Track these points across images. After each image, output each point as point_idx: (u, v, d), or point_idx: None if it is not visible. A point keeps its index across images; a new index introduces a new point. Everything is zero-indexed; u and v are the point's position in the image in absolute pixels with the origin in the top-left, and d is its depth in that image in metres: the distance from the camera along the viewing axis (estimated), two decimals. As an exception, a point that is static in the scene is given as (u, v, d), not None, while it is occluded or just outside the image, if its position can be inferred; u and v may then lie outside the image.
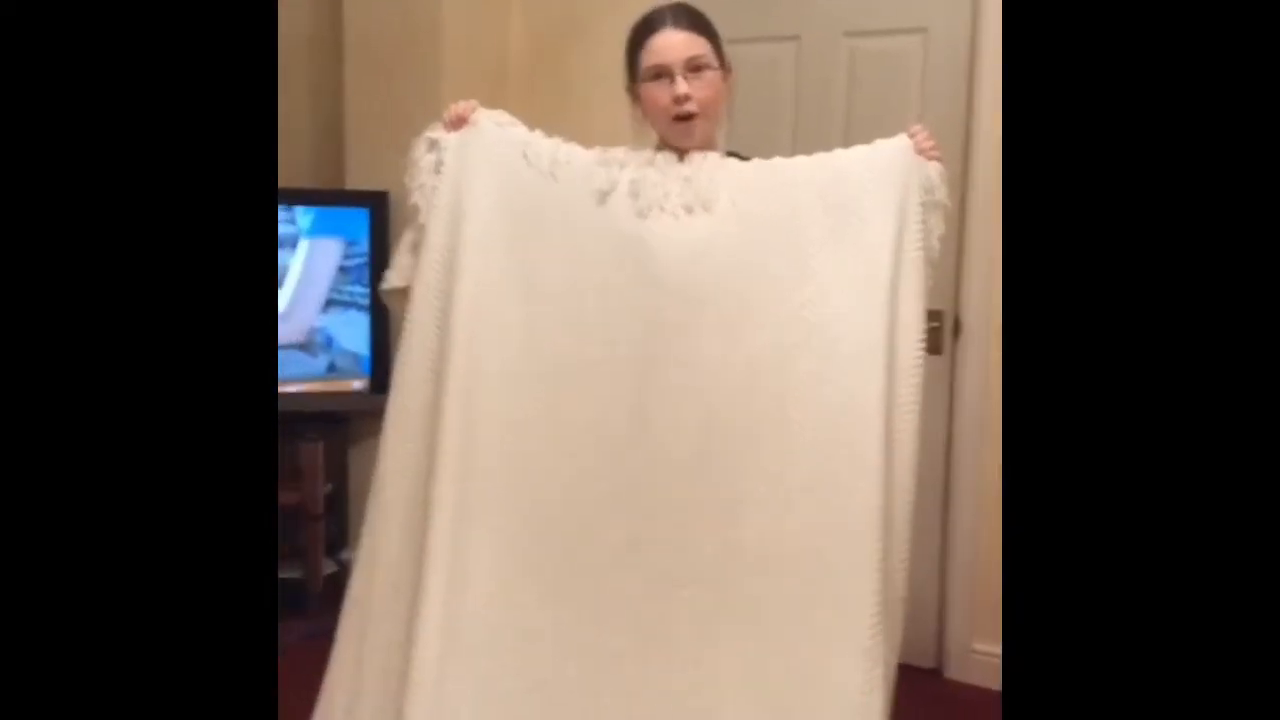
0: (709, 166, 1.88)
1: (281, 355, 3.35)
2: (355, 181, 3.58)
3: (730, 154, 1.99)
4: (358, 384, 3.47)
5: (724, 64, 1.95)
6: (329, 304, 3.47)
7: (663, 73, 1.89)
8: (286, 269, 3.43)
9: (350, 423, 3.65)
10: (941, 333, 3.05)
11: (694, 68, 1.88)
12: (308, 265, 3.46)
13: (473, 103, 2.03)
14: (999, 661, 3.00)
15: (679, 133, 1.90)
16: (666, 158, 1.90)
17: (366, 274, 3.45)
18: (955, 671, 3.08)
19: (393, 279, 2.00)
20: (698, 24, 1.93)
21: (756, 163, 1.93)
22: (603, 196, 1.88)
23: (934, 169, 1.86)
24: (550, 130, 3.64)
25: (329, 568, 3.53)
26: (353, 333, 3.47)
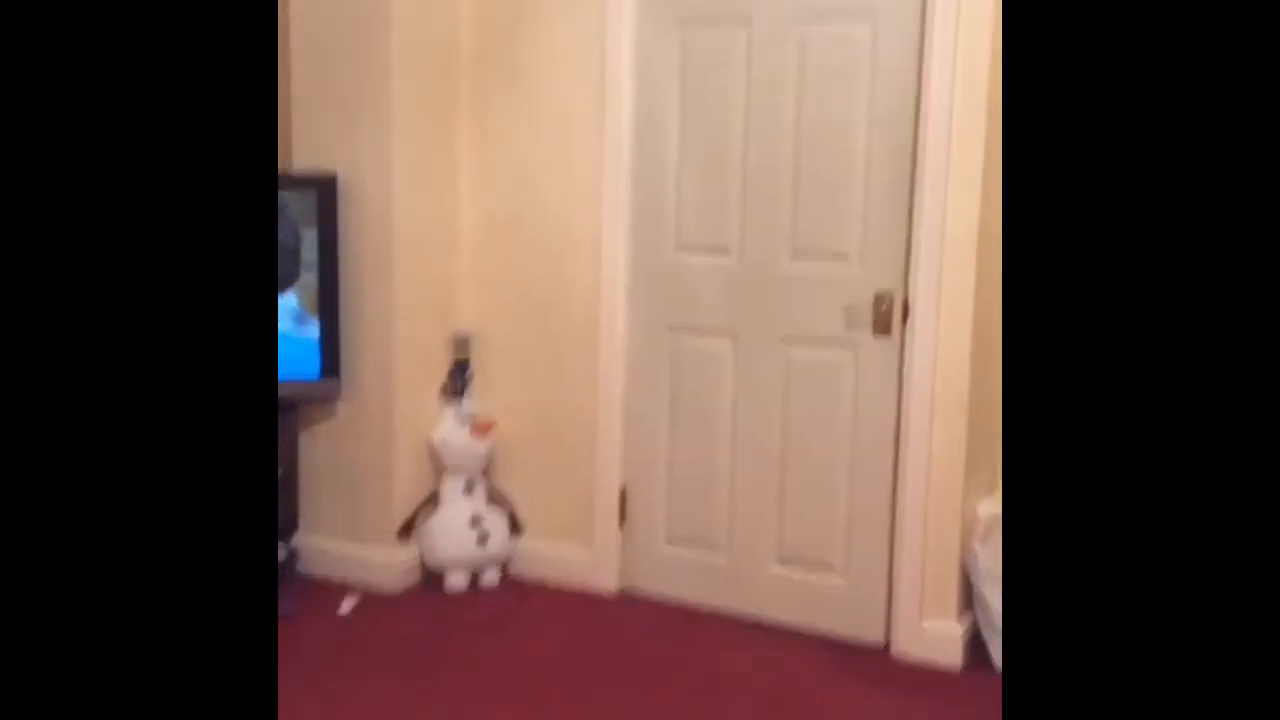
0: None
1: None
2: (302, 164, 3.54)
3: None
4: (306, 370, 3.44)
5: None
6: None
7: None
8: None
9: (299, 409, 3.62)
10: (890, 314, 3.08)
11: None
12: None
13: None
14: (947, 638, 3.05)
15: None
16: None
17: (315, 257, 3.41)
18: (903, 647, 3.12)
19: None
20: None
21: None
22: None
23: None
24: (500, 113, 3.64)
25: (280, 553, 3.50)
26: (295, 319, 3.43)
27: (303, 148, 3.55)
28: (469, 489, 3.64)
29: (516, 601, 3.52)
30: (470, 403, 3.70)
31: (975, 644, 3.09)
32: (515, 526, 3.71)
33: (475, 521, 3.58)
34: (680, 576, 3.49)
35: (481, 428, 3.62)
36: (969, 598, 3.10)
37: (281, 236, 3.37)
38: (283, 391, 3.36)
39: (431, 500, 3.64)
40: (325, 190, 3.41)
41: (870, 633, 3.20)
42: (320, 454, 3.64)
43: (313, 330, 3.44)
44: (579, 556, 3.63)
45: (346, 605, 3.41)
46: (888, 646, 3.17)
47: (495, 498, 3.71)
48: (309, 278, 3.42)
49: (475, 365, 3.73)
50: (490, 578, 3.64)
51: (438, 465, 3.67)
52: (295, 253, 3.40)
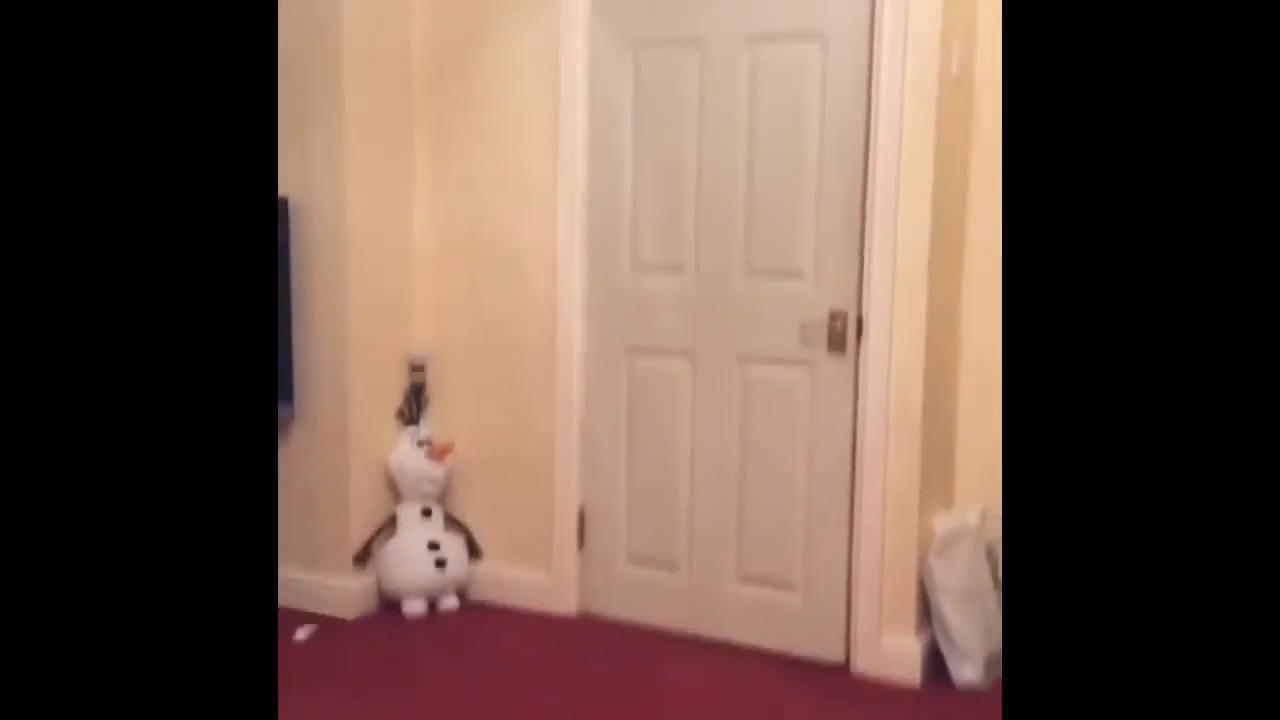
0: None
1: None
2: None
3: None
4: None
5: None
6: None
7: None
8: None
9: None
10: (845, 332, 3.10)
11: None
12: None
13: None
14: (906, 655, 3.06)
15: None
16: None
17: (267, 281, 3.38)
18: (863, 665, 3.13)
19: None
20: None
21: None
22: None
23: None
24: (455, 134, 3.64)
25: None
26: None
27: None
28: (426, 514, 3.61)
29: (475, 626, 3.49)
30: (426, 426, 3.68)
31: (933, 659, 3.11)
32: (473, 551, 3.68)
33: (433, 546, 3.55)
34: (640, 597, 3.48)
35: (439, 451, 3.60)
36: (927, 613, 3.11)
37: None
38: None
39: (388, 525, 3.61)
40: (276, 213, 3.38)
41: (830, 650, 3.20)
42: (278, 476, 3.60)
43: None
44: (538, 580, 3.61)
45: (302, 633, 3.37)
46: (847, 664, 3.17)
47: (453, 522, 3.68)
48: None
49: (432, 388, 3.71)
50: (449, 603, 3.61)
51: (394, 490, 3.64)
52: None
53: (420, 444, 3.61)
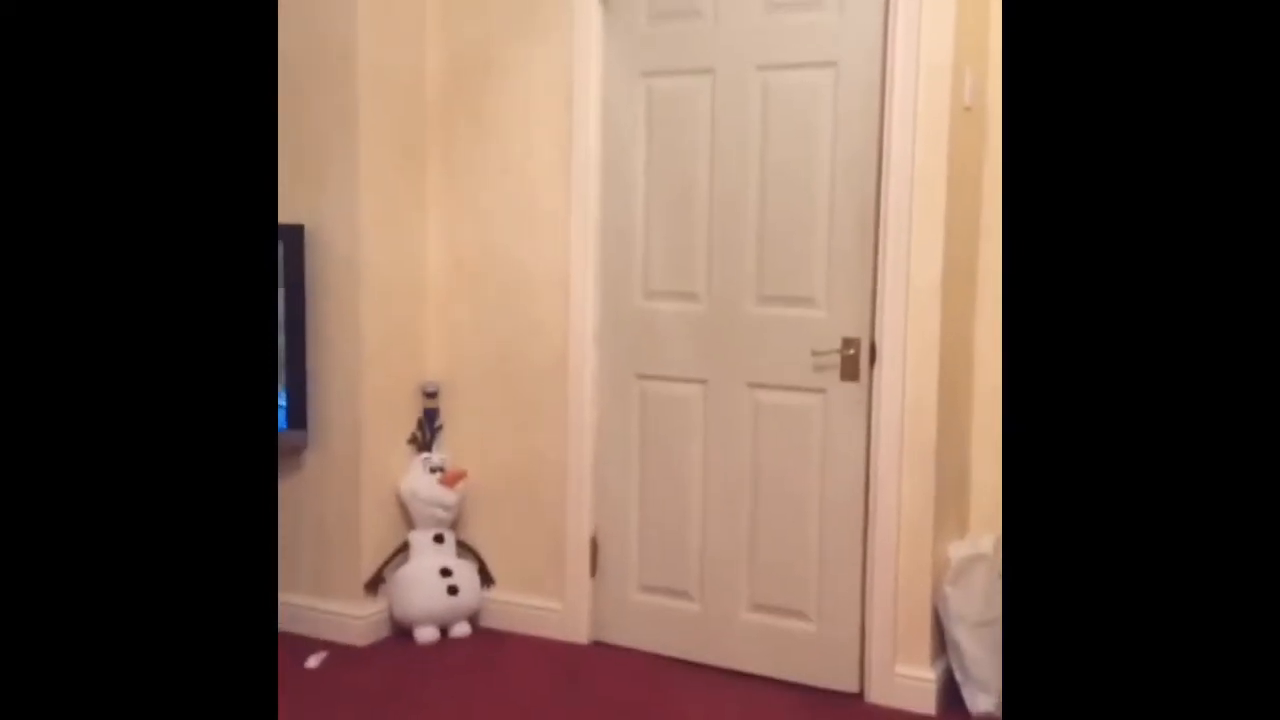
0: None
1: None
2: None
3: None
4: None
5: None
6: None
7: None
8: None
9: (266, 459, 3.58)
10: (858, 360, 3.10)
11: None
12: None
13: None
14: (921, 684, 3.04)
15: None
16: None
17: (281, 308, 3.39)
18: (878, 695, 3.11)
19: None
20: None
21: None
22: None
23: None
24: (468, 161, 3.66)
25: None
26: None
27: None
28: (438, 540, 3.60)
29: (487, 653, 3.48)
30: (439, 453, 3.68)
31: (949, 689, 3.08)
32: (486, 578, 3.68)
33: (445, 573, 3.55)
34: (652, 626, 3.47)
35: (451, 478, 3.59)
36: (941, 643, 3.09)
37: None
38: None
39: (400, 552, 3.61)
40: (291, 241, 3.40)
41: (844, 680, 3.18)
42: (286, 507, 3.60)
43: (279, 382, 3.41)
44: (550, 607, 3.60)
45: (314, 660, 3.36)
46: (862, 693, 3.15)
47: (465, 549, 3.68)
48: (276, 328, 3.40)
49: (444, 415, 3.71)
50: (460, 630, 3.60)
51: (406, 517, 3.64)
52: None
53: (433, 470, 3.61)
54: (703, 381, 3.34)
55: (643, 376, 3.43)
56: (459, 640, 3.57)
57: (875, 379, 3.08)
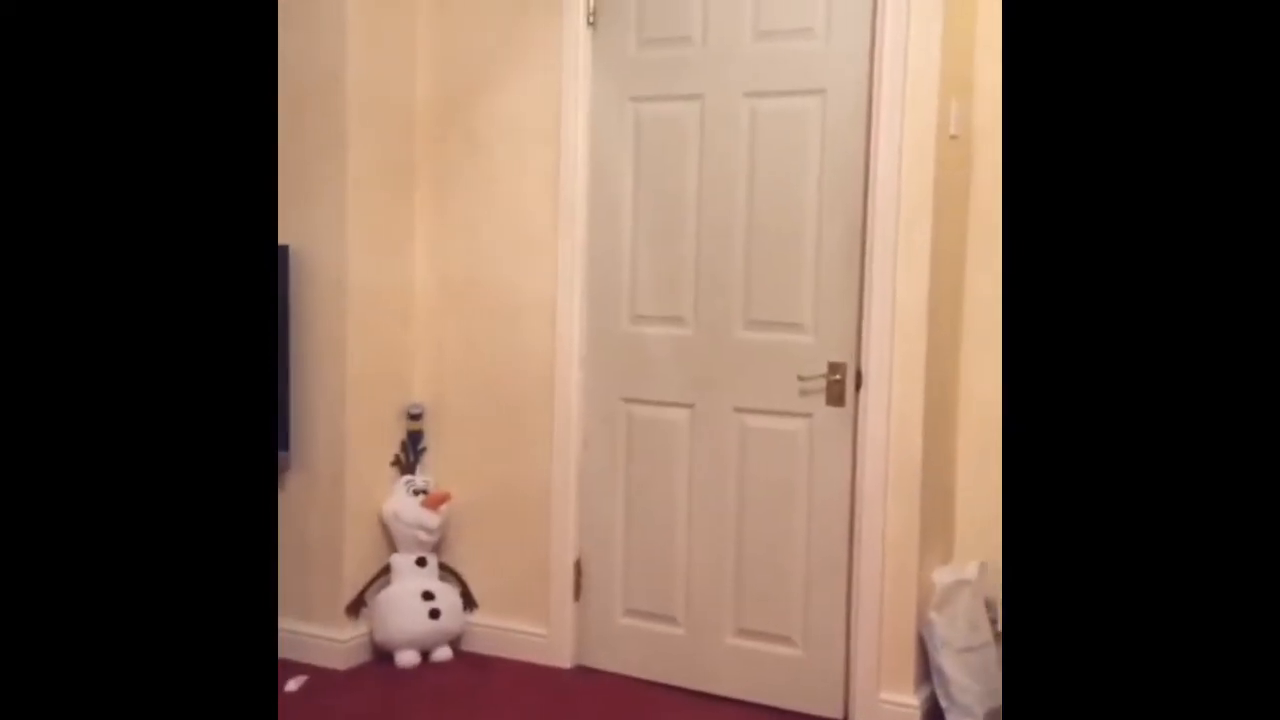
0: None
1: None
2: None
3: None
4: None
5: None
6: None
7: None
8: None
9: (248, 480, 3.55)
10: (844, 385, 3.11)
11: None
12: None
13: None
14: (905, 710, 3.04)
15: None
16: None
17: (267, 328, 3.38)
18: (862, 720, 3.11)
19: None
20: None
21: None
22: None
23: None
24: (456, 183, 3.66)
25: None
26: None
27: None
28: (421, 563, 3.58)
29: (469, 677, 3.45)
30: (423, 475, 3.66)
31: (933, 715, 3.08)
32: (469, 601, 3.65)
33: (427, 596, 3.52)
34: (637, 651, 3.45)
35: (433, 500, 3.58)
36: (926, 669, 3.09)
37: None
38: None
39: (382, 575, 3.58)
40: (279, 262, 3.39)
41: (829, 706, 3.17)
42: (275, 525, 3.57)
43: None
44: (534, 631, 3.58)
45: (293, 684, 3.32)
46: (846, 719, 3.14)
47: (448, 572, 3.65)
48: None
49: (429, 437, 3.69)
50: (442, 654, 3.57)
51: (389, 539, 3.61)
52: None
53: (415, 493, 3.59)
54: (689, 406, 3.35)
55: (629, 400, 3.44)
56: (441, 665, 3.54)
57: (861, 404, 3.09)
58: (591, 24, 3.40)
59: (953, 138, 3.09)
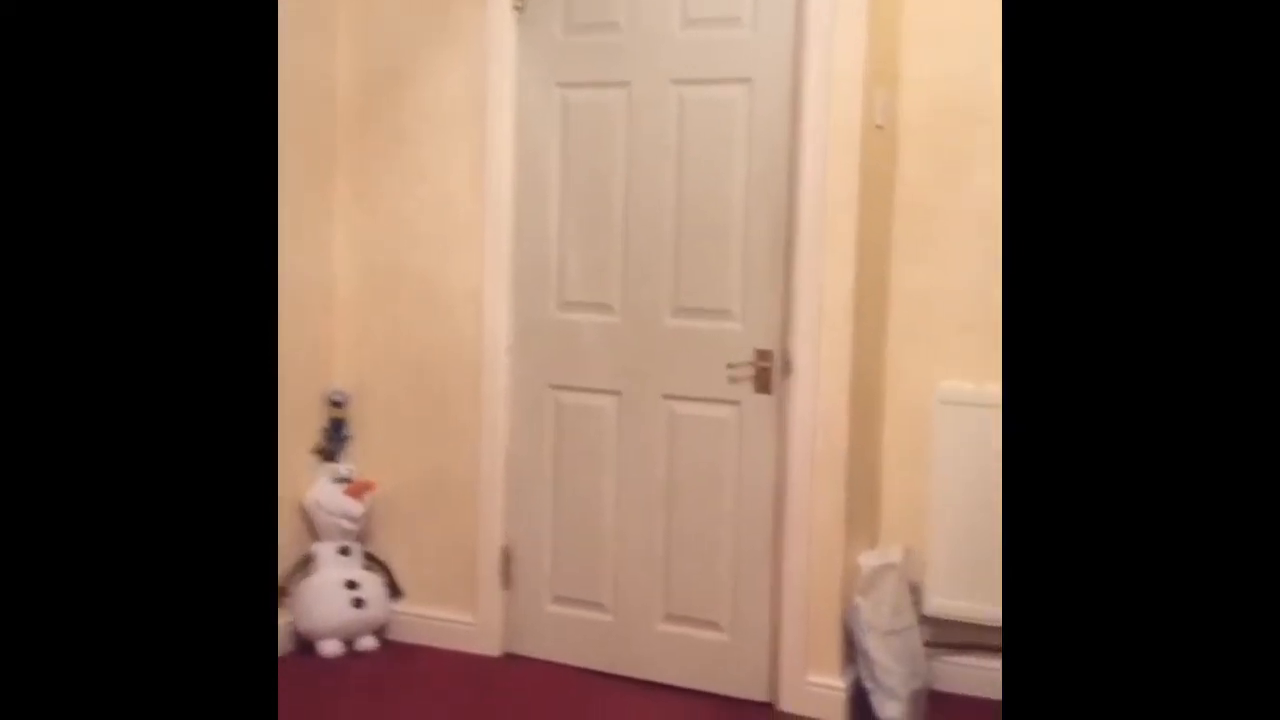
0: None
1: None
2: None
3: None
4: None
5: None
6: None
7: None
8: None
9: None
10: (771, 372, 3.14)
11: None
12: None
13: None
14: (831, 693, 3.09)
15: None
16: None
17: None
18: (789, 704, 3.15)
19: None
20: None
21: None
22: None
23: None
24: (381, 170, 3.60)
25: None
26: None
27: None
28: (344, 552, 3.53)
29: (395, 667, 3.42)
30: (346, 463, 3.61)
31: (858, 697, 3.14)
32: (394, 590, 3.62)
33: (350, 585, 3.48)
34: (565, 638, 3.46)
35: (356, 489, 3.53)
36: (852, 652, 3.15)
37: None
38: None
39: (304, 564, 3.53)
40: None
41: (756, 690, 3.21)
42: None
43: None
44: (461, 619, 3.56)
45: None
46: (773, 703, 3.19)
47: (373, 561, 3.61)
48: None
49: (354, 425, 3.64)
50: (367, 643, 3.53)
51: (312, 528, 3.56)
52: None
53: (338, 481, 3.54)
54: (617, 393, 3.35)
55: (557, 387, 3.42)
56: (365, 654, 3.50)
57: (788, 391, 3.12)
58: (519, 8, 3.37)
59: (878, 128, 3.12)
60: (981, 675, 3.27)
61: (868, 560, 3.15)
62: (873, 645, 3.05)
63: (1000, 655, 3.23)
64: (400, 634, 3.61)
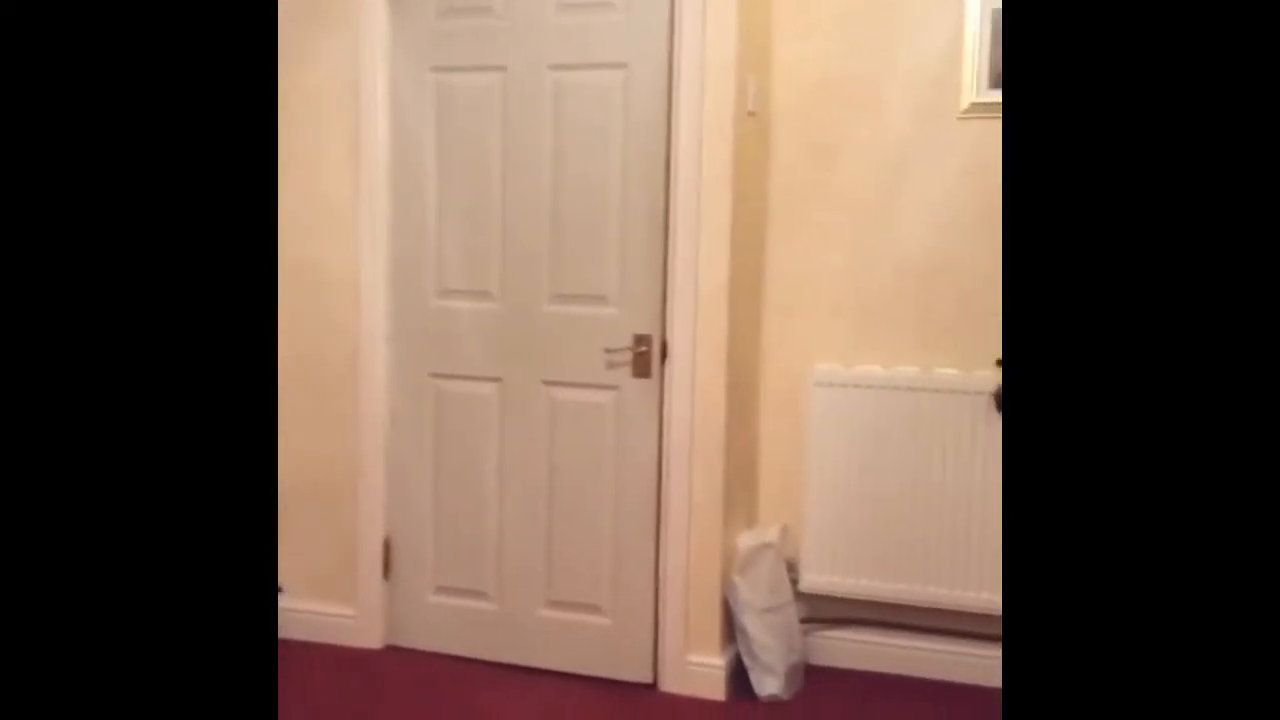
0: None
1: None
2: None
3: None
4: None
5: None
6: None
7: None
8: None
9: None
10: (650, 357, 3.16)
11: None
12: None
13: None
14: (712, 671, 3.13)
15: None
16: None
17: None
18: (670, 684, 3.18)
19: None
20: None
21: None
22: None
23: None
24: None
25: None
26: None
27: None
28: (221, 548, 3.45)
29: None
30: (221, 457, 3.52)
31: (738, 674, 3.19)
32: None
33: (228, 582, 3.40)
34: (448, 628, 3.44)
35: (234, 483, 3.45)
36: (731, 631, 3.20)
37: None
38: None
39: (179, 562, 3.44)
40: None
41: (638, 671, 3.24)
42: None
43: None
44: (342, 613, 3.51)
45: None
46: (655, 684, 3.22)
47: (250, 556, 3.54)
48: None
49: (226, 418, 3.56)
50: (246, 641, 3.46)
51: (186, 525, 3.47)
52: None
53: (214, 476, 3.46)
54: (498, 380, 3.34)
55: (437, 375, 3.40)
56: (244, 651, 3.43)
57: (666, 376, 3.15)
58: (390, -9, 3.33)
59: (751, 114, 3.17)
60: (856, 648, 3.35)
61: (745, 540, 3.19)
62: (751, 623, 3.10)
63: (872, 627, 3.32)
64: (284, 631, 3.55)
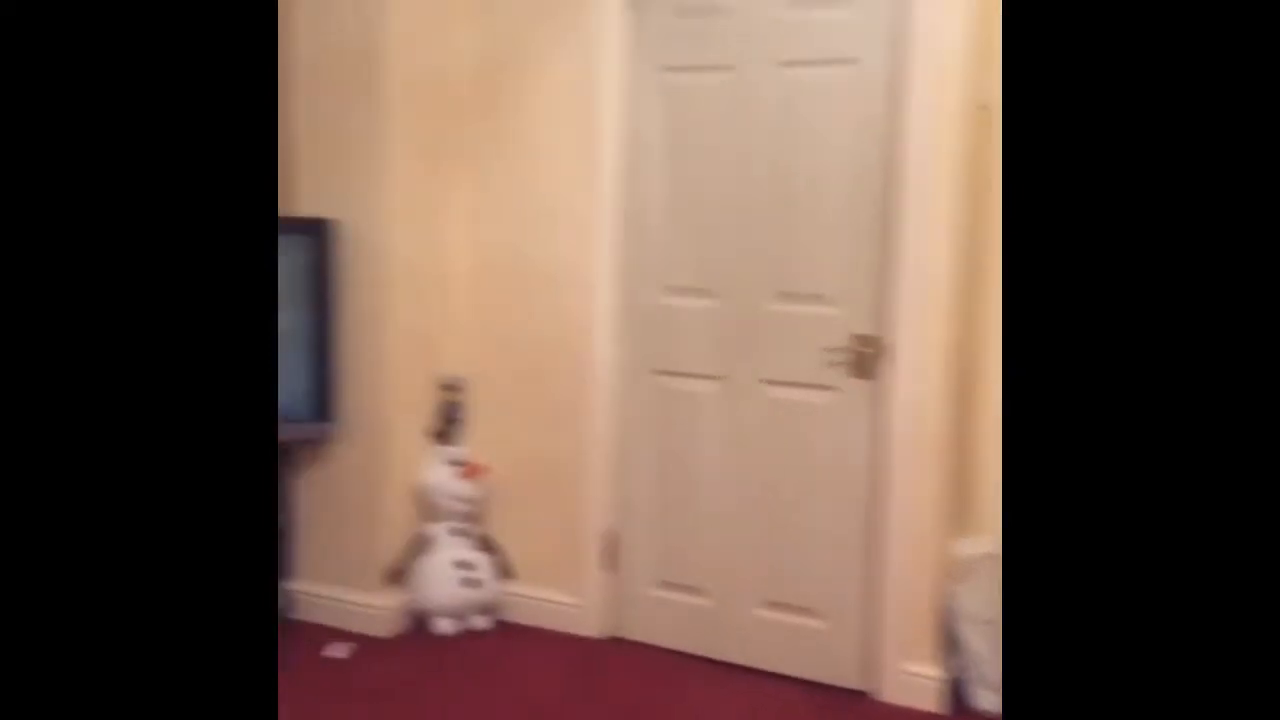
0: None
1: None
2: (304, 208, 3.62)
3: None
4: (296, 414, 3.48)
5: None
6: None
7: None
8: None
9: (292, 452, 3.66)
10: (869, 357, 3.10)
11: None
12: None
13: None
14: (928, 682, 3.03)
15: None
16: None
17: (312, 301, 3.46)
18: (886, 693, 3.09)
19: None
20: None
21: None
22: None
23: None
24: (492, 156, 3.72)
25: (268, 595, 3.52)
26: (290, 363, 3.47)
27: (304, 192, 3.63)
28: (458, 533, 3.66)
29: (504, 646, 3.52)
30: (460, 446, 3.73)
31: (955, 686, 3.06)
32: (506, 571, 3.72)
33: (463, 566, 3.60)
34: (667, 622, 3.49)
35: (470, 471, 3.65)
36: (949, 641, 3.07)
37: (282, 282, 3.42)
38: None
39: (420, 545, 3.67)
40: (320, 234, 3.48)
41: (852, 677, 3.17)
42: (312, 498, 3.68)
43: (307, 373, 3.49)
44: (568, 601, 3.63)
45: (338, 650, 3.43)
46: (870, 691, 3.14)
47: (485, 542, 3.73)
48: (305, 321, 3.47)
49: (468, 408, 3.77)
50: (479, 623, 3.64)
51: (426, 509, 3.70)
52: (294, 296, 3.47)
53: (453, 464, 3.67)
54: (719, 378, 3.36)
55: (660, 373, 3.47)
56: (477, 633, 3.61)
57: (887, 377, 3.08)
58: (623, -1, 3.44)
59: (982, 108, 3.06)
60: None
61: (965, 548, 3.07)
62: (970, 634, 2.98)
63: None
64: (511, 614, 3.71)
